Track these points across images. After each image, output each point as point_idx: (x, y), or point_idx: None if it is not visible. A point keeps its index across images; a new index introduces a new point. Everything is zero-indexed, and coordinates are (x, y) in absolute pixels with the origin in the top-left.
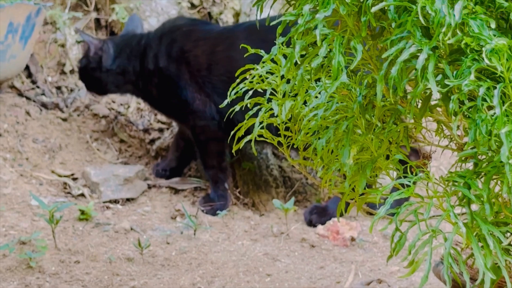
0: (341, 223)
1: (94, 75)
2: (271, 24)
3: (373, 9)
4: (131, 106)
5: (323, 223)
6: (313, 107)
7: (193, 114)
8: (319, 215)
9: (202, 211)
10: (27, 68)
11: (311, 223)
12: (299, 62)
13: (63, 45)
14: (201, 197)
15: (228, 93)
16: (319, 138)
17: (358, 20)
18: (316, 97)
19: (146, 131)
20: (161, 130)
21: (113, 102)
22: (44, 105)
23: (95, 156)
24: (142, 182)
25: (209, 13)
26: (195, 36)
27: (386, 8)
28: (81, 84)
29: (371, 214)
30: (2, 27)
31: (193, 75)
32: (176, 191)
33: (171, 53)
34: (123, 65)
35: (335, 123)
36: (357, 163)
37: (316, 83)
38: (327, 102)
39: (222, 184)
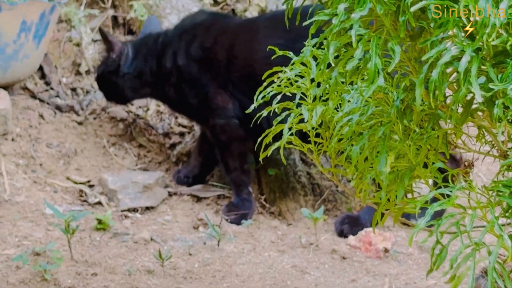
0: (374, 234)
1: (111, 80)
2: (296, 15)
3: (413, 9)
4: (150, 109)
5: (354, 234)
6: (347, 112)
7: (213, 112)
8: (350, 225)
9: (226, 220)
10: (40, 68)
11: (342, 234)
12: (333, 64)
13: (78, 44)
14: (224, 205)
15: (255, 98)
16: (352, 145)
17: (395, 19)
18: (349, 101)
19: (166, 135)
20: (182, 134)
21: (131, 104)
22: (58, 108)
23: (112, 162)
24: (163, 190)
25: (233, 10)
26: (216, 31)
27: (426, 7)
28: (97, 85)
29: (405, 224)
30: (15, 26)
31: (215, 72)
32: (199, 199)
33: (191, 50)
34: (139, 67)
35: (369, 128)
36: (393, 171)
37: (348, 87)
38: (363, 107)
39: (245, 188)
